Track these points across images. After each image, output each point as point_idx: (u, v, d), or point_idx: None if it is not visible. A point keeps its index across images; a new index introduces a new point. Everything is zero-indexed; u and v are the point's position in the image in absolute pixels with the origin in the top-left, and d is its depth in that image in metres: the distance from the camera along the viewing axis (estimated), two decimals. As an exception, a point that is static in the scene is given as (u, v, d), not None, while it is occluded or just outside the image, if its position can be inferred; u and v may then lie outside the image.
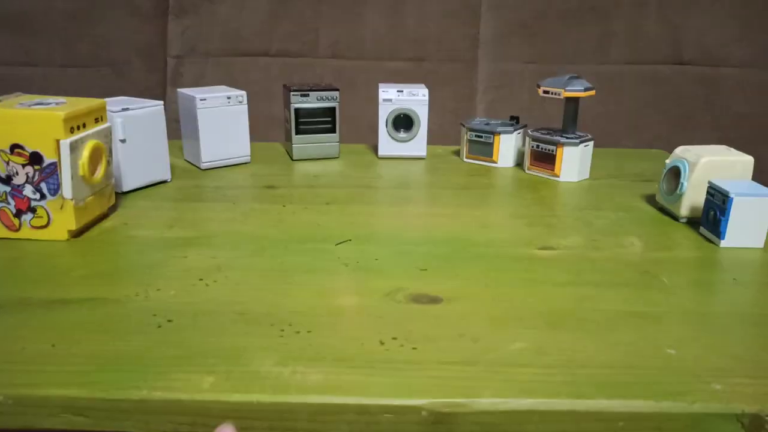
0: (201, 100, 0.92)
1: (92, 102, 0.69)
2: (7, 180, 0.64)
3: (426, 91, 1.03)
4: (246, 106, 0.97)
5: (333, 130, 1.04)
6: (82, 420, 0.40)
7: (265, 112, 1.24)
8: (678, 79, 1.41)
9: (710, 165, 0.73)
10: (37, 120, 0.62)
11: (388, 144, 1.05)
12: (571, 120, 0.96)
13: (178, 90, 0.98)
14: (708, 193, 0.70)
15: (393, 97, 1.03)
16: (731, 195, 0.66)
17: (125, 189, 0.83)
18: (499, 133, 1.01)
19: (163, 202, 0.81)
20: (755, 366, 0.45)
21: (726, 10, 1.38)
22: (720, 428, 0.40)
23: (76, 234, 0.67)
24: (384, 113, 1.03)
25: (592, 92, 0.93)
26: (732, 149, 0.77)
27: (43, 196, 0.64)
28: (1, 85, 1.28)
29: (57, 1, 1.35)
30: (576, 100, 0.94)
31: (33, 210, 0.65)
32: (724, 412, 0.40)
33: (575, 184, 0.93)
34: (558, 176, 0.95)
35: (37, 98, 0.68)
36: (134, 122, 0.82)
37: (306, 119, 1.02)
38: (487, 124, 1.05)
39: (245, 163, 1.00)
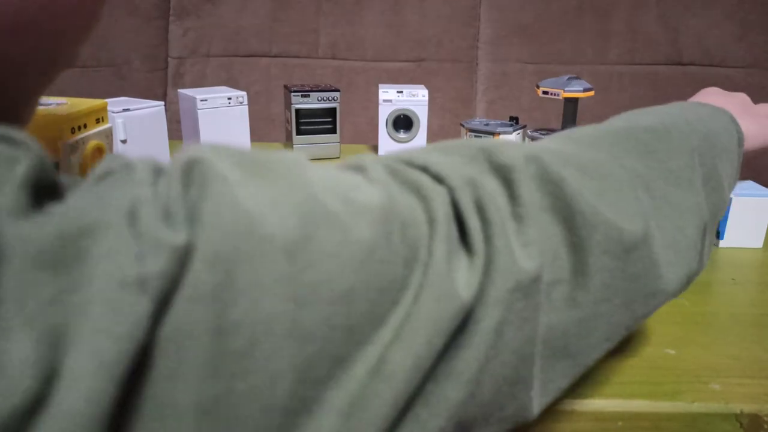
0: (201, 100, 0.92)
1: (93, 102, 0.69)
2: (8, 181, 0.64)
3: (426, 92, 1.03)
4: (246, 107, 0.97)
5: (334, 131, 1.04)
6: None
7: (266, 112, 1.24)
8: (677, 80, 1.41)
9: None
10: (37, 121, 0.63)
11: (388, 144, 1.06)
12: (570, 120, 0.96)
13: (179, 91, 0.98)
14: (707, 193, 0.70)
15: (393, 97, 1.03)
16: (730, 195, 0.66)
17: (126, 189, 0.83)
18: (499, 134, 1.01)
19: (164, 202, 0.81)
20: (754, 366, 0.45)
21: (725, 11, 1.38)
22: (718, 428, 0.40)
23: (77, 234, 0.67)
24: (384, 114, 1.04)
25: (591, 93, 0.93)
26: None
27: (44, 197, 0.64)
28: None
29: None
30: (575, 100, 0.94)
31: (34, 210, 0.65)
32: (722, 411, 0.40)
33: (575, 185, 0.93)
34: (558, 177, 0.95)
35: (39, 99, 0.68)
36: (135, 123, 0.82)
37: (306, 120, 1.02)
38: (487, 124, 1.05)
39: (245, 164, 1.00)
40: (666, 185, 0.36)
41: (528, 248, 0.27)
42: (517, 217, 0.28)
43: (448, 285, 0.24)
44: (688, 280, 0.37)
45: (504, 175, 0.29)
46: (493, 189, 0.28)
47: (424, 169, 0.28)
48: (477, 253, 0.25)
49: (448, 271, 0.24)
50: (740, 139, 0.48)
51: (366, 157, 0.28)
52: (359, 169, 0.27)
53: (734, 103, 0.55)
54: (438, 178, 0.27)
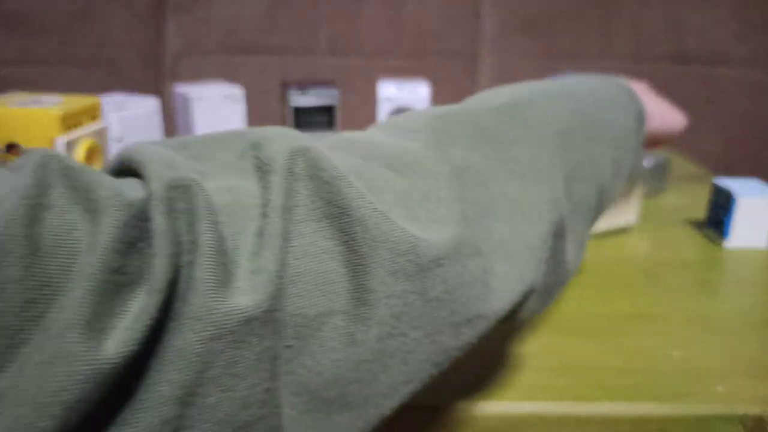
0: (197, 97, 0.91)
1: (88, 100, 0.68)
2: (2, 179, 0.63)
3: (427, 88, 1.02)
4: (243, 103, 0.96)
5: (332, 128, 1.03)
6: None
7: (263, 109, 1.23)
8: (681, 78, 1.40)
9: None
10: (32, 118, 0.62)
11: (387, 141, 1.05)
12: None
13: (175, 87, 0.97)
14: (712, 192, 0.69)
15: (393, 94, 1.02)
16: (735, 195, 0.65)
17: (122, 187, 0.82)
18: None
19: (161, 200, 0.80)
20: (758, 368, 0.44)
21: (730, 9, 1.37)
22: (722, 430, 0.40)
23: (73, 233, 0.67)
24: (384, 110, 1.03)
25: (593, 89, 0.92)
26: None
27: (38, 196, 0.64)
28: (-2, 83, 1.27)
29: (54, 0, 1.34)
30: (577, 97, 0.93)
31: (29, 209, 0.64)
32: (726, 414, 0.40)
33: (576, 182, 0.92)
34: (559, 174, 0.94)
35: (33, 96, 0.68)
36: (131, 120, 0.81)
37: (304, 116, 1.01)
38: (488, 121, 1.04)
39: (244, 161, 0.99)
40: (506, 179, 0.30)
41: (259, 276, 0.21)
42: (262, 232, 0.22)
43: (76, 340, 0.17)
44: (545, 297, 0.31)
45: (264, 176, 0.23)
46: (240, 196, 0.22)
47: (133, 170, 0.22)
48: (154, 290, 0.19)
49: (89, 320, 0.17)
50: (640, 113, 0.41)
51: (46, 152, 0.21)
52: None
53: (638, 86, 0.50)
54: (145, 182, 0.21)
